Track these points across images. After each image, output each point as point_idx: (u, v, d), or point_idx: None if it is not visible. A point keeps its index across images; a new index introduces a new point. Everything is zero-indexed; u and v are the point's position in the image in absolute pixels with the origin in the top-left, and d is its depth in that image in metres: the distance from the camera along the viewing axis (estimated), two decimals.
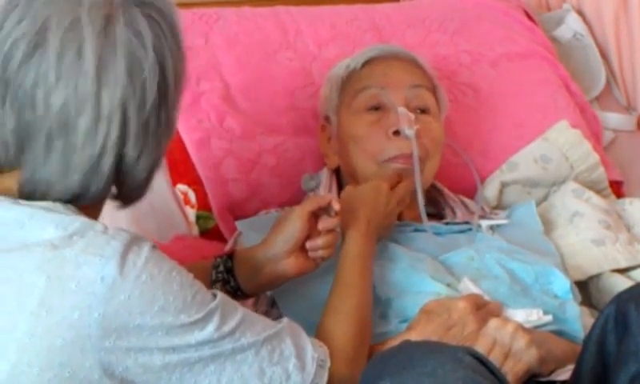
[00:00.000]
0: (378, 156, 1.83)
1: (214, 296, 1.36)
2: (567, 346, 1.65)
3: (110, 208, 1.92)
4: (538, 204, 2.01)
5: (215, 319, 1.33)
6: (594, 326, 1.47)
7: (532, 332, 1.61)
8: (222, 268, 1.62)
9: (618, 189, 2.21)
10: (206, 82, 2.04)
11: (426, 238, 1.81)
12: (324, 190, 1.91)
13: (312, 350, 1.41)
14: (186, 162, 2.01)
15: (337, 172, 1.95)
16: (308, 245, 1.60)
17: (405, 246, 1.78)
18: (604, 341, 1.45)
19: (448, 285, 1.70)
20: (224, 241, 1.94)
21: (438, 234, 1.85)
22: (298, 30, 2.16)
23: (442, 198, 1.98)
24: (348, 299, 1.54)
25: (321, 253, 1.60)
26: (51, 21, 1.30)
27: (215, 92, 2.04)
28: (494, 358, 1.53)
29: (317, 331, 1.51)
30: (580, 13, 2.45)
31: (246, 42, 2.11)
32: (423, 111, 1.88)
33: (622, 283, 1.86)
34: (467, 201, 1.99)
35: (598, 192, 2.10)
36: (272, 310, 1.70)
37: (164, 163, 2.01)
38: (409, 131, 1.81)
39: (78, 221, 1.32)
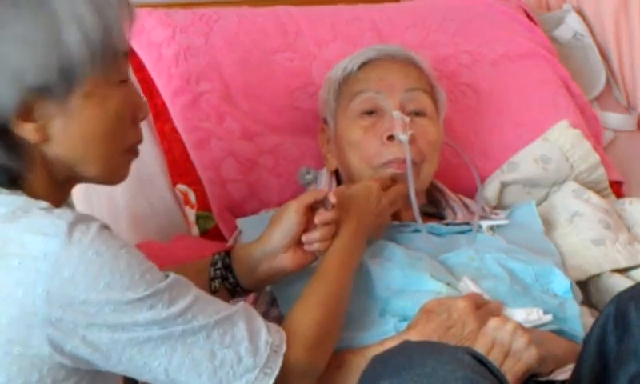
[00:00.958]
0: (373, 161, 1.83)
1: (166, 277, 1.36)
2: (567, 346, 1.65)
3: (109, 207, 1.94)
4: (539, 204, 2.01)
5: (164, 299, 1.33)
6: (593, 326, 1.48)
7: (531, 331, 1.61)
8: (220, 265, 1.63)
9: (618, 189, 2.22)
10: (205, 82, 2.04)
11: (425, 239, 1.81)
12: None
13: (266, 334, 1.41)
14: (185, 162, 2.01)
15: (337, 173, 1.95)
16: (304, 238, 1.60)
17: (404, 246, 1.78)
18: (604, 340, 1.45)
19: (448, 284, 1.70)
20: (224, 241, 1.94)
21: (438, 234, 1.86)
22: (298, 30, 2.16)
23: (442, 198, 1.98)
24: (320, 288, 1.54)
25: (317, 245, 1.60)
26: None
27: (215, 92, 2.04)
28: (494, 358, 1.53)
29: (285, 316, 1.51)
30: (580, 13, 2.45)
31: (246, 42, 2.11)
32: (419, 114, 1.87)
33: (621, 283, 1.86)
34: (468, 201, 1.99)
35: (598, 192, 2.10)
36: (272, 309, 1.70)
37: (164, 163, 2.02)
38: (402, 136, 1.81)
39: (21, 199, 1.34)
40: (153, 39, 2.06)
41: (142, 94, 1.53)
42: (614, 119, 2.37)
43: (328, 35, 2.16)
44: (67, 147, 1.38)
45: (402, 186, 1.78)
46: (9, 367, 1.30)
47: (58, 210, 1.33)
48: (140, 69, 2.06)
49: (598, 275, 1.91)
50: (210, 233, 1.98)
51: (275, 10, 2.20)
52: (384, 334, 1.62)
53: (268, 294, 1.73)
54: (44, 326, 1.29)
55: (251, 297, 1.72)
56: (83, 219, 1.32)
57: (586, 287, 1.91)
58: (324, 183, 1.93)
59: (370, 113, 1.87)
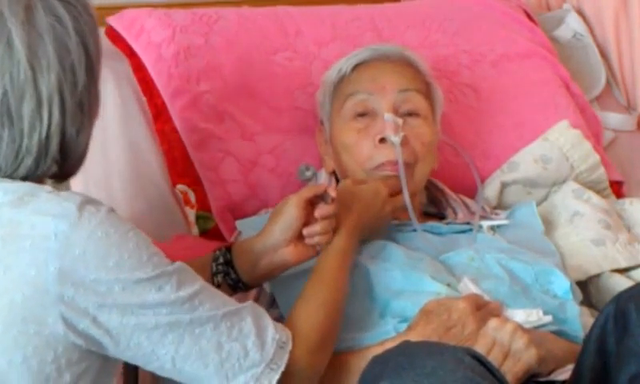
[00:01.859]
0: (366, 164, 1.83)
1: (173, 263, 1.38)
2: (567, 346, 1.65)
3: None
4: (539, 204, 2.01)
5: (172, 281, 1.36)
6: (593, 326, 1.48)
7: (531, 332, 1.61)
8: (221, 260, 1.63)
9: (618, 189, 2.21)
10: (205, 81, 2.04)
11: (425, 238, 1.81)
12: None
13: (273, 331, 1.43)
14: (185, 162, 2.01)
15: (335, 174, 1.95)
16: (305, 231, 1.61)
17: (404, 246, 1.78)
18: (604, 340, 1.45)
19: (448, 285, 1.70)
20: (224, 241, 1.94)
21: (438, 233, 1.85)
22: (298, 30, 2.16)
23: (443, 197, 1.98)
24: (320, 291, 1.55)
25: (318, 239, 1.61)
26: None
27: (215, 92, 2.04)
28: (494, 358, 1.53)
29: (286, 319, 1.52)
30: (580, 13, 2.45)
31: (246, 42, 2.10)
32: (412, 115, 1.87)
33: (622, 283, 1.86)
34: (468, 201, 1.99)
35: (598, 192, 2.10)
36: (272, 310, 1.70)
37: (164, 163, 2.02)
38: (394, 138, 1.81)
39: (26, 185, 1.37)
40: (153, 39, 2.06)
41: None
42: (613, 119, 2.37)
43: (328, 35, 2.16)
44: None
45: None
46: (25, 346, 1.32)
47: (65, 193, 1.37)
48: (140, 69, 2.06)
49: (598, 275, 1.91)
50: (210, 233, 1.98)
51: (275, 9, 2.20)
52: (384, 334, 1.62)
53: (268, 295, 1.73)
54: (57, 305, 1.31)
55: (251, 297, 1.72)
56: (92, 202, 1.36)
57: (586, 287, 1.91)
58: (322, 182, 1.93)
59: (363, 115, 1.87)
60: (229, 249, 1.65)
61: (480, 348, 1.54)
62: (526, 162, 2.11)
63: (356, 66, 1.92)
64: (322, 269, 1.59)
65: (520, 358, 1.57)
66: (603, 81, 2.39)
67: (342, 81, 1.92)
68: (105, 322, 1.33)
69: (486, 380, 1.29)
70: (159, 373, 1.41)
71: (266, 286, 1.73)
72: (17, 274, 1.31)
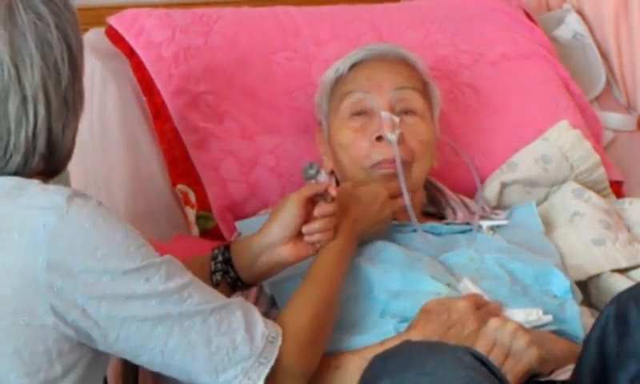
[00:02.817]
0: (363, 162, 1.83)
1: (162, 255, 1.39)
2: (567, 346, 1.65)
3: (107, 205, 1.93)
4: (538, 204, 2.01)
5: (161, 273, 1.36)
6: (594, 326, 1.48)
7: (532, 332, 1.61)
8: (220, 258, 1.63)
9: (618, 189, 2.21)
10: (205, 82, 2.04)
11: (425, 238, 1.81)
12: None
13: (263, 326, 1.43)
14: (185, 162, 2.01)
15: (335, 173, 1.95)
16: (304, 229, 1.61)
17: (404, 246, 1.78)
18: (604, 341, 1.45)
19: (448, 284, 1.70)
20: (224, 241, 1.94)
21: (438, 233, 1.85)
22: (298, 30, 2.16)
23: (443, 197, 1.98)
24: (311, 291, 1.55)
25: (317, 236, 1.61)
26: None
27: (215, 92, 2.04)
28: (494, 358, 1.53)
29: (276, 318, 1.52)
30: (580, 13, 2.45)
31: (246, 42, 2.10)
32: (409, 113, 1.87)
33: (622, 283, 1.86)
34: (468, 201, 1.99)
35: (598, 192, 2.10)
36: (272, 311, 1.70)
37: (164, 163, 2.02)
38: (391, 136, 1.81)
39: (14, 179, 1.38)
40: (153, 39, 2.06)
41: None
42: (613, 119, 2.37)
43: (328, 35, 2.16)
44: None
45: (403, 201, 1.78)
46: (16, 338, 1.32)
47: (53, 186, 1.37)
48: (140, 69, 2.06)
49: (598, 275, 1.91)
50: (210, 233, 1.98)
51: (275, 9, 2.20)
52: (384, 334, 1.62)
53: (268, 296, 1.73)
54: (47, 295, 1.32)
55: (251, 298, 1.72)
56: (80, 194, 1.37)
57: (586, 287, 1.91)
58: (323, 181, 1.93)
59: (360, 113, 1.87)
60: (227, 247, 1.64)
61: (480, 348, 1.54)
62: (525, 161, 2.11)
63: (353, 66, 1.92)
64: (316, 268, 1.59)
65: (520, 357, 1.57)
66: (603, 81, 2.39)
67: (338, 81, 1.92)
68: (94, 313, 1.34)
69: (487, 379, 1.29)
70: (148, 367, 1.42)
71: (266, 288, 1.73)
72: (6, 267, 1.32)
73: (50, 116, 1.39)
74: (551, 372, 1.62)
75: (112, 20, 2.12)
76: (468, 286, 1.69)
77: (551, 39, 2.38)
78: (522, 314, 1.66)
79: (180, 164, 2.01)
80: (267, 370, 1.41)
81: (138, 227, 1.88)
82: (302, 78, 2.09)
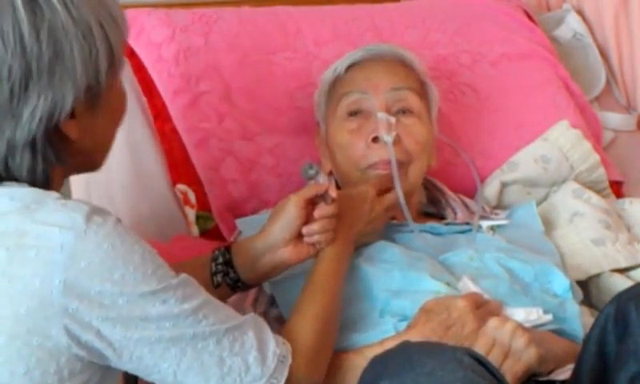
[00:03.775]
0: (359, 163, 1.83)
1: (177, 275, 1.38)
2: (567, 346, 1.65)
3: (109, 207, 1.93)
4: (538, 204, 2.01)
5: (177, 295, 1.36)
6: (593, 326, 1.48)
7: (531, 331, 1.61)
8: (220, 260, 1.63)
9: (618, 189, 2.22)
10: (205, 82, 2.04)
11: (424, 238, 1.81)
12: None
13: (274, 345, 1.43)
14: (185, 162, 2.01)
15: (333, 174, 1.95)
16: (304, 230, 1.60)
17: (404, 246, 1.78)
18: (604, 340, 1.45)
19: (447, 284, 1.70)
20: (224, 241, 1.94)
21: (438, 233, 1.85)
22: (298, 30, 2.16)
23: (442, 197, 1.98)
24: (315, 301, 1.55)
25: (317, 237, 1.61)
26: None
27: (215, 92, 2.04)
28: (494, 358, 1.53)
29: (282, 330, 1.52)
30: (580, 13, 2.45)
31: (246, 42, 2.11)
32: (405, 113, 1.87)
33: (622, 283, 1.87)
34: (468, 201, 1.99)
35: (598, 192, 2.10)
36: (271, 310, 1.70)
37: (164, 163, 2.02)
38: (387, 137, 1.80)
39: (33, 191, 1.36)
40: (153, 39, 2.06)
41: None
42: (613, 119, 2.37)
43: (328, 35, 2.16)
44: (93, 139, 1.43)
45: (394, 192, 1.78)
46: (28, 358, 1.32)
47: (72, 202, 1.35)
48: (140, 69, 2.06)
49: (598, 275, 1.91)
50: (210, 233, 1.98)
51: (275, 9, 2.20)
52: (383, 334, 1.62)
53: (267, 295, 1.73)
54: (61, 317, 1.31)
55: (251, 297, 1.72)
56: (99, 212, 1.35)
57: (586, 287, 1.91)
58: (322, 183, 1.93)
59: (356, 113, 1.87)
60: (228, 248, 1.64)
61: (480, 347, 1.55)
62: (525, 161, 2.11)
63: (350, 67, 1.92)
64: (315, 277, 1.59)
65: (520, 357, 1.57)
66: (603, 81, 2.39)
67: (336, 81, 1.92)
68: (108, 334, 1.33)
69: (486, 380, 1.29)
70: None
71: (266, 287, 1.73)
72: (21, 286, 1.30)
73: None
74: (551, 371, 1.62)
75: None
76: (468, 285, 1.69)
77: (551, 39, 2.38)
78: (522, 314, 1.66)
79: (180, 164, 2.02)
80: None
81: (139, 227, 1.90)
82: (302, 78, 2.09)
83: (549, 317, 1.68)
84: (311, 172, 1.65)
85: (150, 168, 2.01)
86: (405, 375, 1.28)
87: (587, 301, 1.89)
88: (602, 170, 2.15)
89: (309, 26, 2.17)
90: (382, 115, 1.82)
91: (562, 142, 2.13)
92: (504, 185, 2.09)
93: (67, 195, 1.50)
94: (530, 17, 2.38)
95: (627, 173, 2.27)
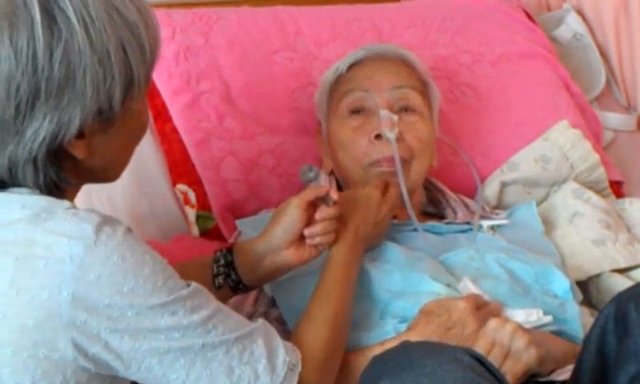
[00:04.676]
0: (362, 161, 1.83)
1: (188, 285, 1.37)
2: (567, 346, 1.65)
3: (109, 207, 1.93)
4: (539, 204, 2.01)
5: (187, 306, 1.34)
6: (593, 326, 1.47)
7: (531, 332, 1.61)
8: (222, 262, 1.62)
9: (617, 189, 2.22)
10: (205, 82, 2.04)
11: (425, 238, 1.81)
12: None
13: (284, 353, 1.41)
14: (185, 162, 2.01)
15: (335, 173, 1.95)
16: (306, 232, 1.60)
17: (404, 246, 1.78)
18: (604, 341, 1.45)
19: (448, 285, 1.70)
20: (224, 241, 1.94)
21: (438, 233, 1.85)
22: (298, 30, 2.16)
23: (442, 197, 1.98)
24: (325, 307, 1.54)
25: (319, 239, 1.60)
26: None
27: (215, 92, 2.04)
28: (494, 358, 1.53)
29: (292, 336, 1.51)
30: (580, 13, 2.45)
31: (245, 42, 2.11)
32: (408, 110, 1.87)
33: (622, 283, 1.86)
34: (468, 201, 1.99)
35: (598, 192, 2.10)
36: (272, 310, 1.70)
37: (164, 163, 2.02)
38: (390, 134, 1.81)
39: (44, 200, 1.35)
40: None
41: None
42: (613, 119, 2.37)
43: (328, 35, 2.16)
44: (103, 158, 1.41)
45: (397, 186, 1.78)
46: (34, 370, 1.31)
47: (82, 212, 1.34)
48: None
49: (598, 275, 1.91)
50: (210, 233, 1.98)
51: (275, 9, 2.20)
52: (384, 335, 1.62)
53: (268, 296, 1.73)
54: (69, 329, 1.30)
55: (251, 297, 1.72)
56: (109, 222, 1.33)
57: (586, 287, 1.91)
58: (323, 184, 1.93)
59: (359, 111, 1.87)
60: (229, 250, 1.64)
61: (480, 348, 1.55)
62: (525, 161, 2.11)
63: (352, 66, 1.93)
64: (324, 284, 1.58)
65: (520, 358, 1.57)
66: (603, 81, 2.40)
67: (338, 80, 1.92)
68: (116, 346, 1.32)
69: (486, 380, 1.29)
70: None
71: (266, 289, 1.73)
72: (30, 297, 1.29)
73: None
74: (551, 372, 1.62)
75: None
76: (468, 286, 1.69)
77: (551, 39, 2.38)
78: (522, 315, 1.66)
79: (180, 164, 2.01)
80: None
81: (138, 227, 1.90)
82: (302, 78, 2.09)
83: (549, 318, 1.68)
84: (310, 174, 1.65)
85: (150, 168, 2.01)
86: (405, 375, 1.28)
87: (587, 301, 1.89)
88: (601, 170, 2.15)
89: (309, 26, 2.17)
90: (384, 113, 1.83)
91: (562, 142, 2.13)
92: (504, 185, 2.09)
93: None
94: (529, 17, 2.38)
95: (627, 173, 2.27)
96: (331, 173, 1.94)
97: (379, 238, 1.76)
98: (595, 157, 2.14)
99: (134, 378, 1.37)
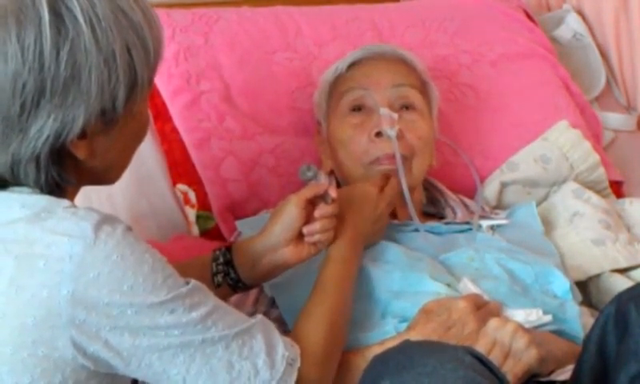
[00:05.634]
0: (363, 158, 1.84)
1: (187, 283, 1.37)
2: (567, 346, 1.65)
3: (109, 207, 1.93)
4: (538, 204, 2.01)
5: (186, 304, 1.35)
6: (593, 326, 1.47)
7: (532, 332, 1.61)
8: (221, 260, 1.62)
9: (617, 189, 2.22)
10: (205, 82, 2.04)
11: (425, 238, 1.81)
12: None
13: (283, 348, 1.42)
14: (186, 162, 2.01)
15: (335, 173, 1.95)
16: (305, 230, 1.60)
17: (404, 246, 1.78)
18: (604, 341, 1.45)
19: (448, 285, 1.70)
20: (224, 241, 1.94)
21: (438, 233, 1.85)
22: (298, 30, 2.16)
23: (442, 197, 1.98)
24: (323, 303, 1.54)
25: (317, 237, 1.60)
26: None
27: (215, 92, 2.04)
28: (494, 358, 1.53)
29: (291, 332, 1.51)
30: (580, 13, 2.45)
31: (245, 42, 2.11)
32: (408, 108, 1.87)
33: (622, 283, 1.86)
34: (467, 201, 1.99)
35: (598, 192, 2.10)
36: (272, 311, 1.70)
37: (164, 163, 2.02)
38: (390, 132, 1.81)
39: (44, 199, 1.35)
40: None
41: None
42: (613, 119, 2.37)
43: (328, 35, 2.16)
44: (104, 160, 1.41)
45: (395, 182, 1.78)
46: (33, 369, 1.31)
47: (82, 211, 1.34)
48: None
49: (598, 275, 1.91)
50: (210, 232, 1.98)
51: (275, 9, 2.20)
52: (384, 334, 1.62)
53: (268, 297, 1.73)
54: (68, 328, 1.30)
55: (252, 297, 1.72)
56: (108, 220, 1.33)
57: (586, 287, 1.91)
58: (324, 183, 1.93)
59: (359, 109, 1.87)
60: (229, 248, 1.64)
61: (481, 348, 1.54)
62: (525, 161, 2.11)
63: (351, 65, 1.93)
64: (323, 281, 1.58)
65: (520, 358, 1.57)
66: (603, 81, 2.40)
67: (337, 80, 1.93)
68: (116, 344, 1.32)
69: (487, 379, 1.29)
70: None
71: (266, 289, 1.73)
72: (29, 296, 1.30)
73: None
74: (551, 372, 1.62)
75: None
76: (468, 286, 1.69)
77: (551, 39, 2.38)
78: (522, 314, 1.66)
79: (180, 164, 2.02)
80: None
81: (138, 226, 1.90)
82: (302, 78, 2.10)
83: (548, 317, 1.68)
84: (309, 174, 1.66)
85: (150, 168, 2.01)
86: (406, 374, 1.28)
87: (587, 301, 1.89)
88: (601, 170, 2.15)
89: (309, 25, 2.17)
90: (384, 111, 1.83)
91: (561, 142, 2.13)
92: (504, 185, 2.09)
93: None
94: (529, 17, 2.38)
95: (627, 173, 2.27)
96: (330, 173, 1.94)
97: (378, 235, 1.76)
98: (595, 157, 2.14)
99: (134, 375, 1.37)
